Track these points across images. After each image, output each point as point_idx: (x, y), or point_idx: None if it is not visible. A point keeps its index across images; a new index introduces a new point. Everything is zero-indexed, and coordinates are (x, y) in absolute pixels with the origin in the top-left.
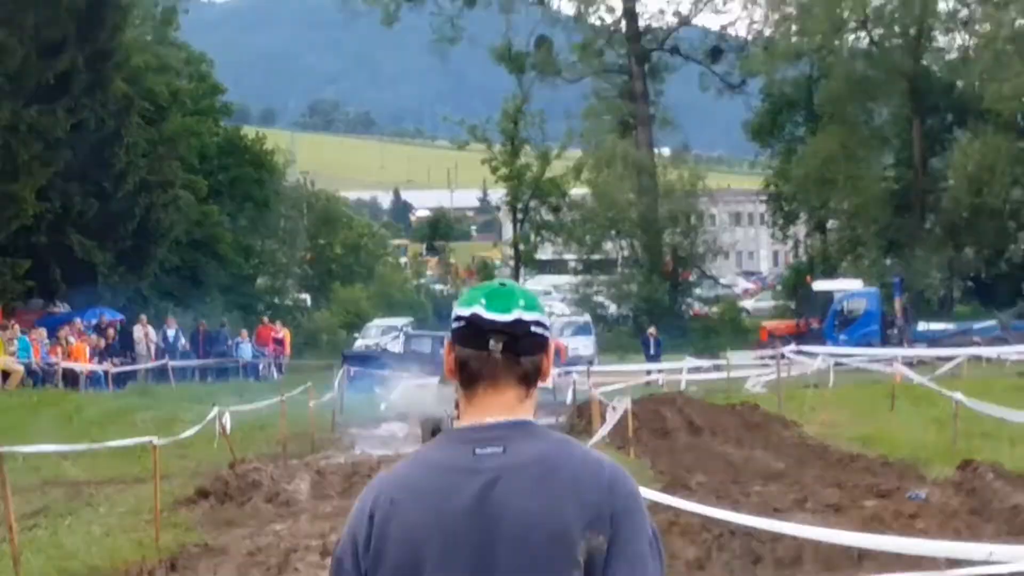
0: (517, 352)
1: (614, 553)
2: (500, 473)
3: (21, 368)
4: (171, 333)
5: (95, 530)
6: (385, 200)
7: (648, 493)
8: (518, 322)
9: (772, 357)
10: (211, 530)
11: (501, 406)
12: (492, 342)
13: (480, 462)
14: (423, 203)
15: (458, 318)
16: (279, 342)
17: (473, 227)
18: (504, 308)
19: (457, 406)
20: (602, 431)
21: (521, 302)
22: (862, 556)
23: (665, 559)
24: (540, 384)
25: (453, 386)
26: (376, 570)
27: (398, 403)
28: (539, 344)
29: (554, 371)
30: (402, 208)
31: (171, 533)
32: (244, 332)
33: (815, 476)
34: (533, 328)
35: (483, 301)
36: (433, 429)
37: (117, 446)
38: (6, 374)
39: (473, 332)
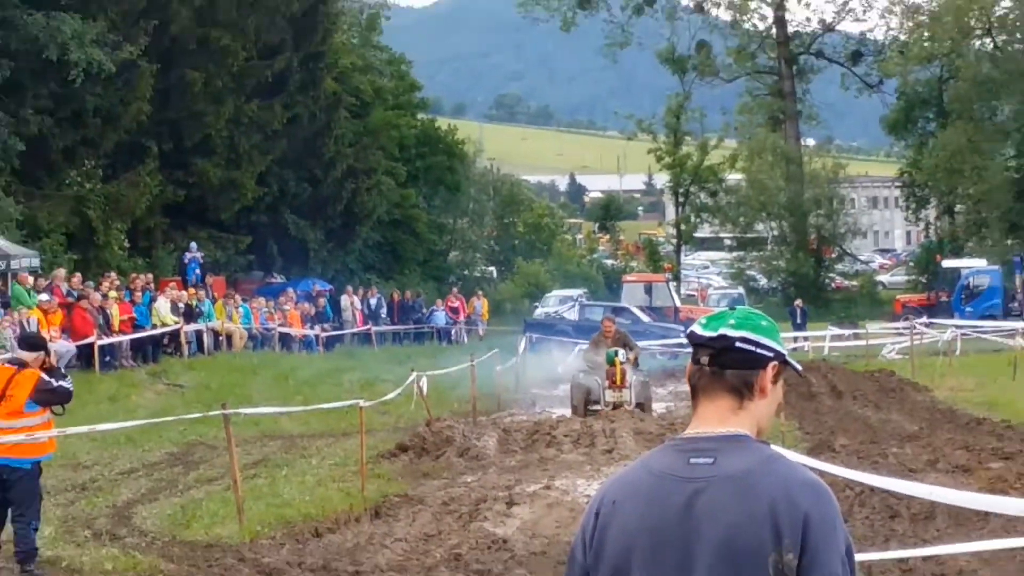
0: (722, 366)
1: (806, 569)
2: (708, 483)
3: (243, 332)
4: (374, 302)
5: (308, 480)
6: (562, 183)
7: (796, 455)
8: (721, 337)
9: (906, 328)
10: (410, 481)
11: (714, 416)
12: (701, 356)
13: (692, 471)
14: (595, 186)
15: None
16: (455, 310)
17: (640, 208)
18: (713, 326)
19: (608, 376)
20: None
21: (732, 321)
22: (989, 514)
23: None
24: (759, 399)
25: (599, 354)
26: (597, 563)
27: (574, 366)
28: (747, 359)
29: None
30: (577, 191)
31: (375, 483)
32: (439, 301)
33: (946, 439)
34: (738, 344)
35: (702, 321)
36: (584, 396)
37: (330, 407)
38: (230, 339)
39: (693, 348)
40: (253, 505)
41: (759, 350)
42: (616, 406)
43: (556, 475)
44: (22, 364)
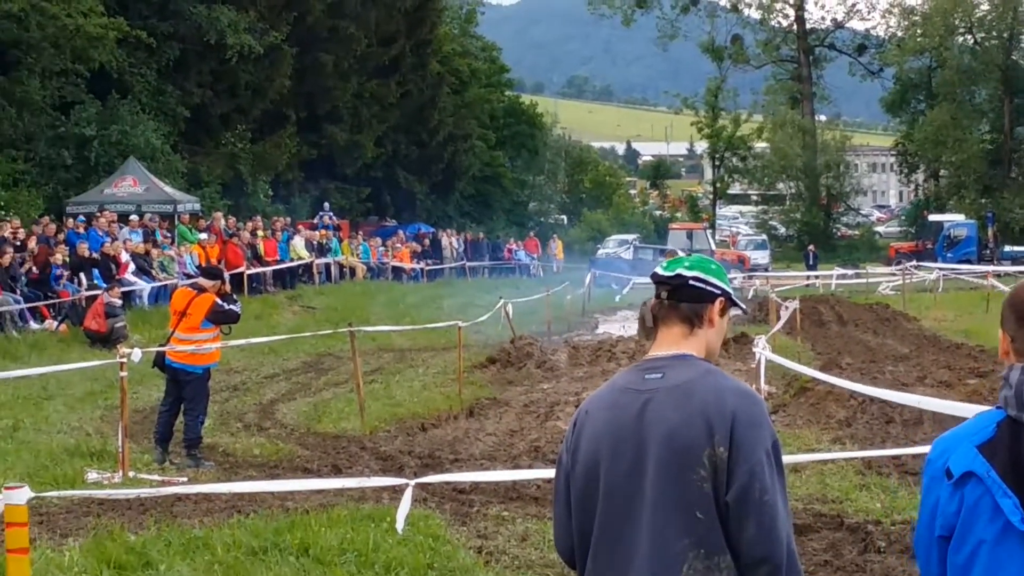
0: (678, 299)
1: (735, 460)
2: (655, 394)
3: (363, 266)
4: (455, 241)
5: (415, 385)
6: (620, 149)
7: (810, 371)
8: (678, 276)
9: (899, 270)
10: (497, 387)
11: (669, 341)
12: (661, 292)
13: (646, 384)
14: (647, 152)
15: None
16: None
17: (683, 170)
18: (671, 268)
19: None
20: (779, 324)
21: (687, 264)
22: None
23: (784, 468)
24: (707, 328)
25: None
26: (575, 460)
27: (629, 297)
28: (698, 295)
29: (740, 275)
30: (632, 155)
31: (469, 389)
32: (514, 241)
33: (931, 360)
34: (692, 282)
35: (663, 265)
36: (642, 316)
37: (433, 327)
38: (352, 271)
39: (655, 286)
40: (371, 404)
41: (708, 287)
42: None
43: None
44: (201, 289)
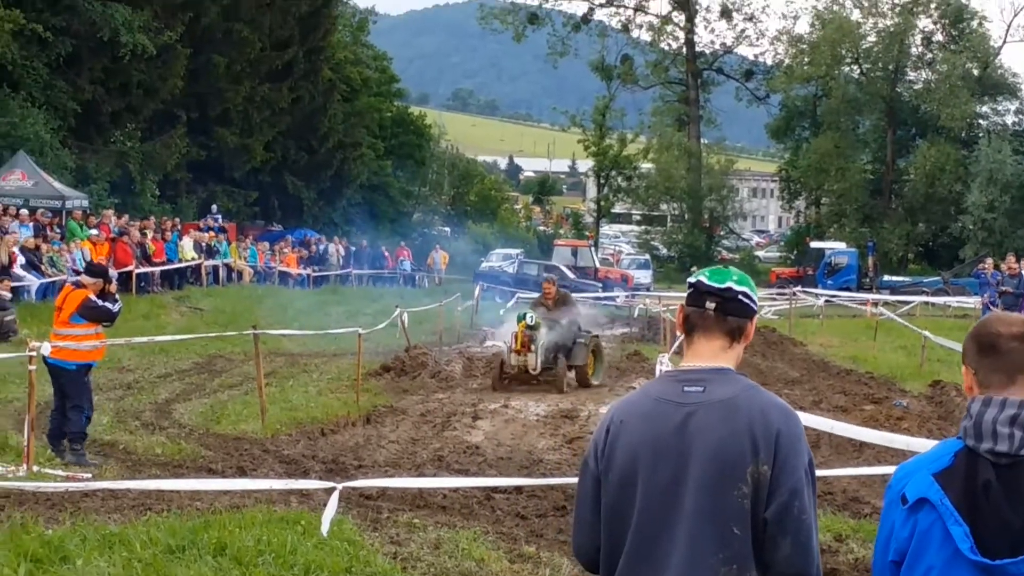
0: (726, 312)
1: (777, 478)
2: (698, 408)
3: (250, 269)
4: (323, 248)
5: (311, 390)
6: (503, 163)
7: None
8: (728, 289)
9: (783, 294)
10: (392, 396)
11: (708, 352)
12: (708, 302)
13: (686, 397)
14: (529, 167)
15: (689, 285)
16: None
17: (564, 187)
18: (720, 280)
19: (513, 338)
20: (675, 344)
21: (735, 278)
22: (863, 446)
23: (816, 483)
24: (744, 343)
25: (539, 312)
26: (608, 470)
27: (513, 310)
28: (744, 309)
29: (623, 293)
30: (514, 170)
31: (365, 396)
32: (405, 251)
33: (826, 384)
34: (740, 297)
35: (707, 274)
36: (500, 367)
37: (335, 332)
38: (240, 274)
39: (696, 294)
40: (269, 408)
41: (752, 304)
42: (522, 370)
43: (511, 397)
44: (81, 285)
